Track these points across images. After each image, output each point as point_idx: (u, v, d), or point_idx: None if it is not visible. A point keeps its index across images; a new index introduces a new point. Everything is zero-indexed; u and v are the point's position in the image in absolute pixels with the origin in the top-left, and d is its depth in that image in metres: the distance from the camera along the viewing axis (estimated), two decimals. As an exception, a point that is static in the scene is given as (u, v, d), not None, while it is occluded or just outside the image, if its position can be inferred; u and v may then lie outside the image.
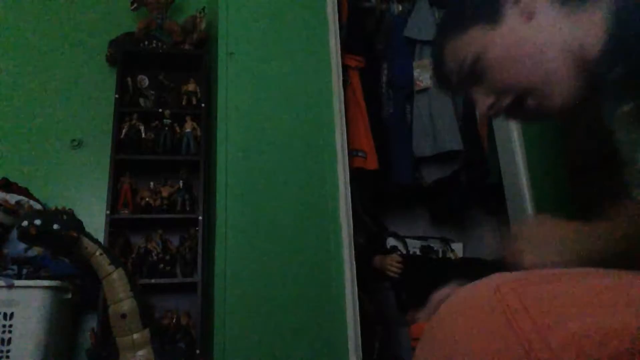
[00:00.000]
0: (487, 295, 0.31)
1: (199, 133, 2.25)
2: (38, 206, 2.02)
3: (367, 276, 1.99)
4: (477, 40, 0.70)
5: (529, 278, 0.31)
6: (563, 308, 0.28)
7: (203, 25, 2.41)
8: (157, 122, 2.26)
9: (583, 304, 0.29)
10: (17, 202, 1.93)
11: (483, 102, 0.72)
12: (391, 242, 2.50)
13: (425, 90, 2.53)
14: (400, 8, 2.86)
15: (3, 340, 1.59)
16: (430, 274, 2.13)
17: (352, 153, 2.14)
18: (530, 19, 0.67)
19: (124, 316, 1.15)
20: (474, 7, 0.72)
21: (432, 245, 2.63)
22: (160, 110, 2.26)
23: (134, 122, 2.20)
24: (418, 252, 2.55)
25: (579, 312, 0.28)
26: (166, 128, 2.23)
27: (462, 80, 0.73)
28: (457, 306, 0.32)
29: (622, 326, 0.27)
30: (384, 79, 2.75)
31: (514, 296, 0.29)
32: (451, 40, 0.73)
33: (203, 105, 2.30)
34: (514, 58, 0.67)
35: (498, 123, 2.07)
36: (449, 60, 0.74)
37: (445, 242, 2.69)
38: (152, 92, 2.36)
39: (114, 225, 2.07)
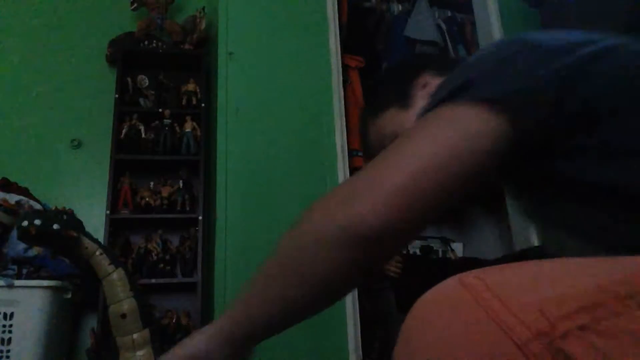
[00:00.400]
0: (452, 288, 0.33)
1: (199, 133, 2.25)
2: (38, 206, 2.02)
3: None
4: (393, 121, 0.76)
5: (492, 268, 0.34)
6: (523, 282, 0.31)
7: (203, 25, 2.41)
8: (157, 122, 2.26)
9: (541, 277, 0.32)
10: (17, 202, 1.93)
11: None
12: (391, 242, 2.49)
13: (425, 90, 2.53)
14: (400, 8, 2.86)
15: (3, 340, 1.59)
16: (430, 274, 2.13)
17: (352, 153, 2.14)
18: None
19: (124, 316, 1.15)
20: (389, 92, 0.79)
21: (432, 245, 2.63)
22: (160, 110, 2.26)
23: (134, 122, 2.20)
24: (418, 252, 2.55)
25: (537, 283, 0.31)
26: (166, 128, 2.23)
27: None
28: (426, 306, 0.34)
29: (579, 289, 0.29)
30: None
31: (477, 281, 0.32)
32: (372, 121, 0.80)
33: (203, 105, 2.30)
34: None
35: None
36: (373, 139, 0.80)
37: (445, 242, 2.68)
38: (152, 92, 2.36)
39: (114, 225, 2.07)
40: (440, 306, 0.32)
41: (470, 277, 0.33)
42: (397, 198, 0.45)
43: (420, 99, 0.75)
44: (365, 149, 0.84)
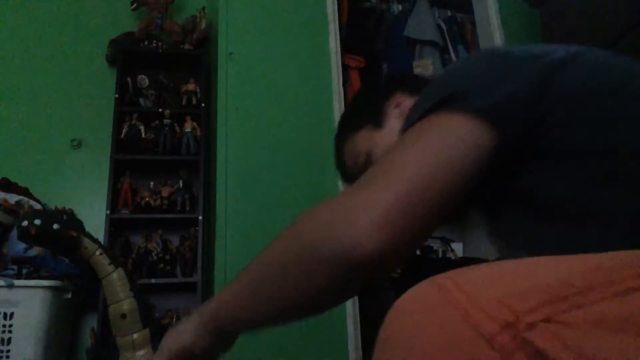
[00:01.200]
0: (424, 289, 0.34)
1: (199, 133, 2.25)
2: (38, 206, 2.02)
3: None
4: (366, 140, 0.78)
5: (462, 269, 0.35)
6: (490, 279, 0.33)
7: (203, 25, 2.41)
8: (157, 122, 2.26)
9: (507, 273, 0.33)
10: (17, 202, 1.93)
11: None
12: (391, 242, 2.49)
13: (425, 90, 2.53)
14: (400, 8, 2.86)
15: (3, 340, 1.59)
16: (430, 274, 2.12)
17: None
18: None
19: (124, 316, 1.15)
20: (362, 112, 0.81)
21: (432, 245, 2.63)
22: (160, 110, 2.26)
23: (134, 122, 2.20)
24: (418, 252, 2.55)
25: (503, 279, 0.32)
26: (166, 128, 2.23)
27: (359, 175, 0.79)
28: (400, 307, 0.34)
29: (542, 284, 0.31)
30: (384, 79, 2.75)
31: (447, 281, 0.33)
32: (346, 140, 0.81)
33: (203, 105, 2.30)
34: None
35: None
36: (347, 157, 0.81)
37: (445, 242, 2.68)
38: (152, 92, 2.36)
39: (114, 225, 2.07)
40: (413, 307, 0.33)
41: (441, 277, 0.34)
42: (393, 217, 0.43)
43: (393, 118, 0.76)
44: (340, 170, 0.85)
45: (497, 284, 0.32)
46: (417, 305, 0.33)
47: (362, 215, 0.43)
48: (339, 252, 0.44)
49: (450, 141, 0.47)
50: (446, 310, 0.31)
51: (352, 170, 0.82)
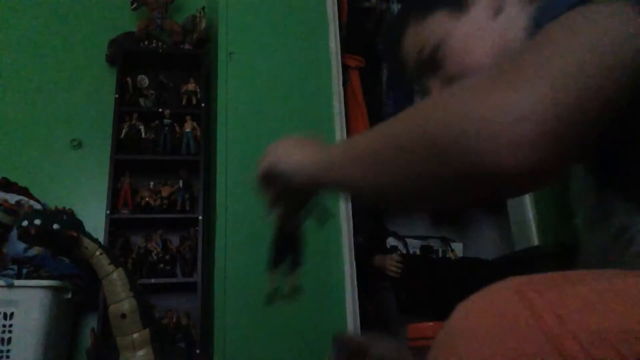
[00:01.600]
0: (508, 300, 0.29)
1: (198, 133, 2.25)
2: (38, 206, 2.02)
3: (367, 276, 2.00)
4: (440, 27, 0.64)
5: (550, 280, 0.30)
6: (587, 302, 0.28)
7: (203, 25, 2.41)
8: (157, 122, 2.26)
9: (608, 297, 0.28)
10: (17, 202, 1.93)
11: (438, 92, 0.66)
12: (391, 241, 2.50)
13: (425, 90, 2.53)
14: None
15: (3, 340, 1.59)
16: (430, 274, 2.13)
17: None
18: (497, 14, 0.63)
19: (124, 316, 1.15)
20: None
21: (432, 245, 2.63)
22: (160, 110, 2.26)
23: (134, 122, 2.20)
24: (418, 252, 2.55)
25: (604, 307, 0.27)
26: (166, 128, 2.23)
27: (419, 68, 0.68)
28: (477, 314, 0.30)
29: None
30: (384, 78, 2.75)
31: (538, 299, 0.28)
32: (414, 24, 0.67)
33: (203, 105, 2.30)
34: (474, 51, 0.63)
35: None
36: (409, 44, 0.68)
37: (445, 242, 2.69)
38: (152, 92, 2.36)
39: (114, 225, 2.07)
40: (493, 316, 0.29)
41: (529, 289, 0.29)
42: (550, 131, 0.34)
43: (480, 7, 0.63)
44: (391, 61, 0.72)
45: (597, 311, 0.27)
46: (498, 317, 0.29)
47: (512, 123, 0.34)
48: (476, 159, 0.36)
49: (621, 37, 0.37)
50: (533, 331, 0.27)
51: (412, 62, 0.69)
